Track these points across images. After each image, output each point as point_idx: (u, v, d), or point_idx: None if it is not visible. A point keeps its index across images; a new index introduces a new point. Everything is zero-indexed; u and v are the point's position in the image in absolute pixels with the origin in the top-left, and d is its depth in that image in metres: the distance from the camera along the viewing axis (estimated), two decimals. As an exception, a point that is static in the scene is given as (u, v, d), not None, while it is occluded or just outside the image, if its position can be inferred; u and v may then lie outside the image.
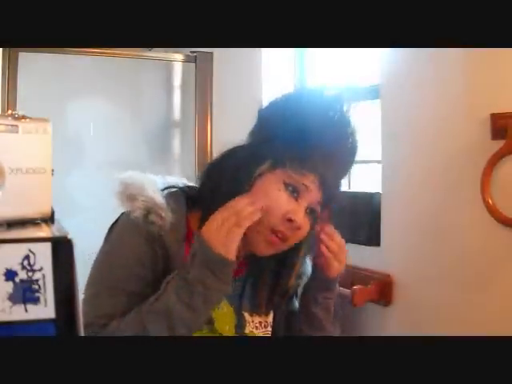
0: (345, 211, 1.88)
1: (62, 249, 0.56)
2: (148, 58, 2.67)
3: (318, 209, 0.94)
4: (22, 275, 0.54)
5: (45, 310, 0.55)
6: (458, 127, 1.51)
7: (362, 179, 2.20)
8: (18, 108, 2.24)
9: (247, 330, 0.99)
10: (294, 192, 0.91)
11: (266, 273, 1.01)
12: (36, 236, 0.58)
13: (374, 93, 1.91)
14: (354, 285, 1.72)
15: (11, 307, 0.54)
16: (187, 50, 2.64)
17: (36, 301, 0.54)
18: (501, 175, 1.40)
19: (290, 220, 0.90)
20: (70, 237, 0.57)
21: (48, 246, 0.55)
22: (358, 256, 1.80)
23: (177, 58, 2.74)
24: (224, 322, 0.96)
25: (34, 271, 0.54)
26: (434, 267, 1.58)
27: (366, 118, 2.18)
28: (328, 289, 1.01)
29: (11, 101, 2.29)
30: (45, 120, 0.65)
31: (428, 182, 1.61)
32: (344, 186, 1.03)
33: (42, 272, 0.55)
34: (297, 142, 0.90)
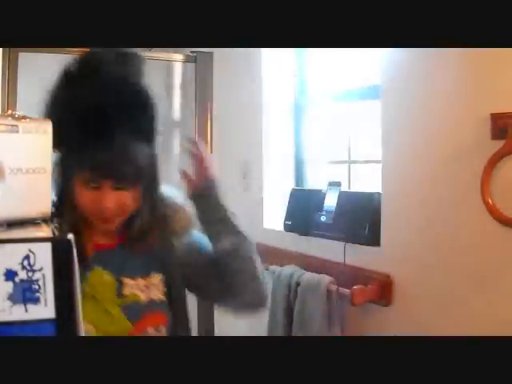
0: (345, 211, 1.88)
1: (62, 249, 0.56)
2: (148, 58, 2.66)
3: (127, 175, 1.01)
4: (22, 275, 0.54)
5: (45, 309, 0.55)
6: (458, 127, 1.51)
7: (362, 179, 2.20)
8: (17, 108, 2.24)
9: (127, 292, 1.07)
10: (96, 183, 1.01)
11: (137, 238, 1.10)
12: (36, 236, 0.58)
13: (374, 93, 1.91)
14: (353, 285, 1.72)
15: (11, 307, 0.54)
16: (187, 50, 2.63)
17: (36, 301, 0.54)
18: (501, 175, 1.40)
19: (102, 209, 1.01)
20: (69, 237, 0.57)
21: (48, 246, 0.55)
22: (358, 256, 1.80)
23: (177, 58, 2.73)
24: (105, 290, 1.06)
25: (33, 271, 0.54)
26: (434, 267, 1.58)
27: (366, 118, 2.19)
28: (208, 202, 1.11)
29: (11, 101, 2.29)
30: (45, 120, 0.65)
31: (428, 182, 1.61)
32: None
33: (42, 272, 0.55)
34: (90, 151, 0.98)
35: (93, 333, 0.99)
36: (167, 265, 1.11)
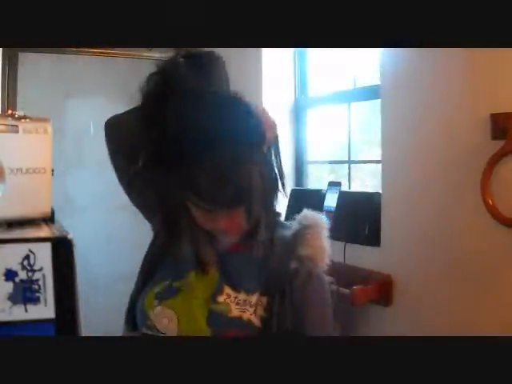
0: (345, 211, 1.88)
1: (62, 249, 0.56)
2: (148, 58, 2.67)
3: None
4: (22, 275, 0.54)
5: (45, 309, 0.55)
6: (458, 127, 1.51)
7: (361, 179, 2.20)
8: (18, 108, 2.24)
9: (222, 299, 0.99)
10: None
11: (258, 251, 1.01)
12: (36, 236, 0.58)
13: (374, 93, 1.91)
14: (354, 285, 1.72)
15: (11, 307, 0.54)
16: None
17: (36, 301, 0.54)
18: (501, 175, 1.40)
19: (216, 229, 0.98)
20: (70, 237, 0.57)
21: (48, 246, 0.55)
22: (358, 256, 1.80)
23: (177, 58, 2.73)
24: (203, 289, 1.01)
25: (33, 271, 0.54)
26: (434, 267, 1.58)
27: (366, 118, 2.19)
28: None
29: (11, 101, 2.29)
30: (45, 120, 0.65)
31: (428, 182, 1.61)
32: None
33: (42, 272, 0.55)
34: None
35: (174, 320, 0.98)
36: (277, 287, 0.98)
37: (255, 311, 0.97)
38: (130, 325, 1.05)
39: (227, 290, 1.00)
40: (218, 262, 1.03)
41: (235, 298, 0.99)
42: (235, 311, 0.97)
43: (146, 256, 1.09)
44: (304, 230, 1.03)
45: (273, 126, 1.00)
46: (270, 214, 1.04)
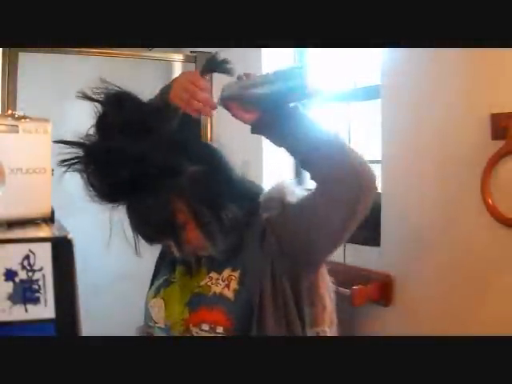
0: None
1: (62, 249, 0.56)
2: (148, 58, 2.67)
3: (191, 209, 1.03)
4: (22, 275, 0.54)
5: (45, 309, 0.55)
6: (458, 127, 1.51)
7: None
8: (18, 108, 2.24)
9: (203, 283, 1.07)
10: None
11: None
12: (36, 236, 0.58)
13: (374, 93, 1.91)
14: (353, 285, 1.72)
15: (11, 307, 0.54)
16: (187, 50, 2.63)
17: (36, 301, 0.54)
18: (501, 175, 1.40)
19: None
20: (70, 237, 0.57)
21: (48, 246, 0.55)
22: (358, 256, 1.80)
23: (177, 58, 2.73)
24: (192, 279, 1.10)
25: (33, 271, 0.54)
26: (434, 267, 1.58)
27: (366, 118, 2.19)
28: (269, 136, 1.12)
29: (11, 101, 2.29)
30: (45, 120, 0.65)
31: (428, 182, 1.61)
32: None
33: (42, 272, 0.55)
34: None
35: (162, 308, 1.09)
36: (247, 260, 1.04)
37: (228, 285, 1.04)
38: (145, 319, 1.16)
39: (211, 273, 1.08)
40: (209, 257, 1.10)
41: (217, 279, 1.06)
42: (213, 289, 1.05)
43: (157, 259, 1.23)
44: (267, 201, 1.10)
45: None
46: (219, 222, 1.06)
